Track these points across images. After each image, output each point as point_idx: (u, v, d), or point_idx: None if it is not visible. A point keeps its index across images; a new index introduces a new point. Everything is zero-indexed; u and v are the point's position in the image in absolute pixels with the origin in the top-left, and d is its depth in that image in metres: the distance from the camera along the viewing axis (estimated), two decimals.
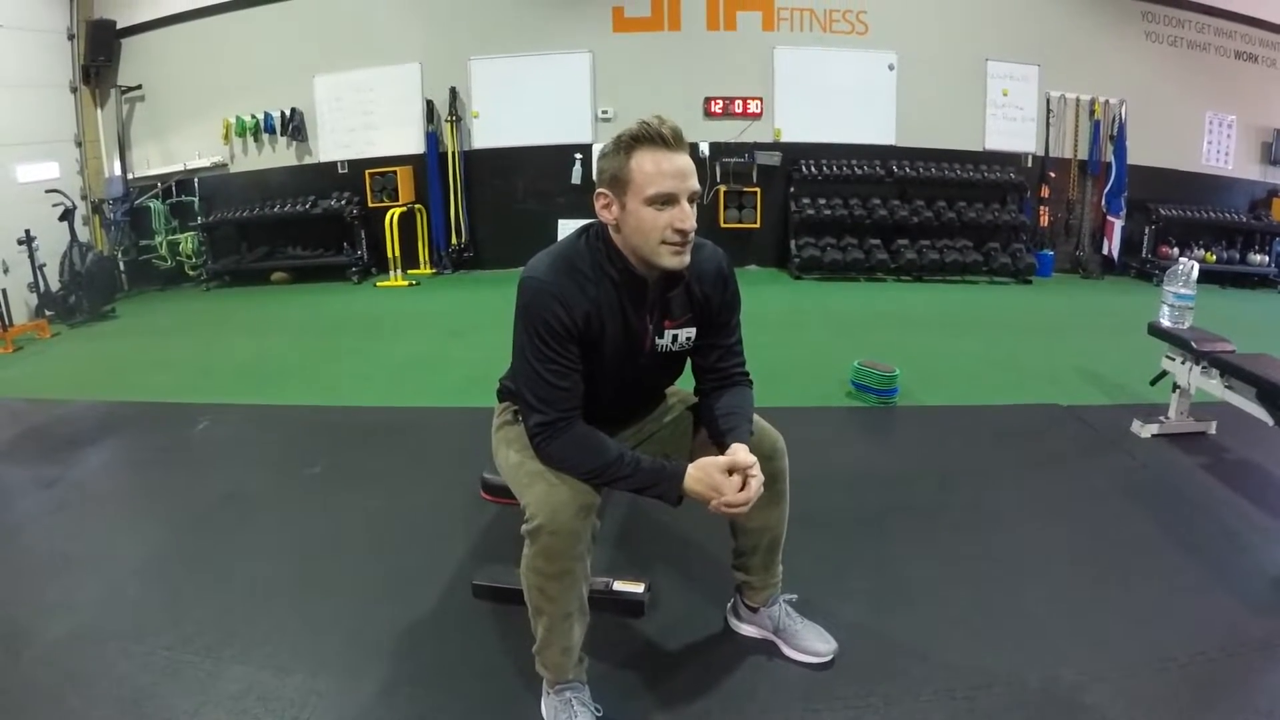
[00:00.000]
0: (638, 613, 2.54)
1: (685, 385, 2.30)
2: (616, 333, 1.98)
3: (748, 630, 2.43)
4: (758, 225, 8.66)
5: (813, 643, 2.33)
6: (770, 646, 2.38)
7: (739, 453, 1.93)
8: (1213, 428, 3.93)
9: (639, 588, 2.59)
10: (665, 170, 1.86)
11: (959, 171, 8.58)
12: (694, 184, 1.90)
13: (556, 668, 2.01)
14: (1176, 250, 8.51)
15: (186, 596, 2.76)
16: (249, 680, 2.31)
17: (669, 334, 2.07)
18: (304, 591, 2.79)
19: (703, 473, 1.90)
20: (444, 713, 2.19)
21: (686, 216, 1.88)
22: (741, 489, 1.89)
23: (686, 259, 1.93)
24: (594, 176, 1.97)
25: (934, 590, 2.70)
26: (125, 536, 3.28)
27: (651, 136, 1.87)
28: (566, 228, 7.07)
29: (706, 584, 2.69)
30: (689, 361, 2.20)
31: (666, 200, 1.86)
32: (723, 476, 1.89)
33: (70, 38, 8.64)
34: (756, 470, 1.91)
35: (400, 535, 3.17)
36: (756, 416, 2.13)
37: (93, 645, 2.49)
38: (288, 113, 8.82)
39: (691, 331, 2.10)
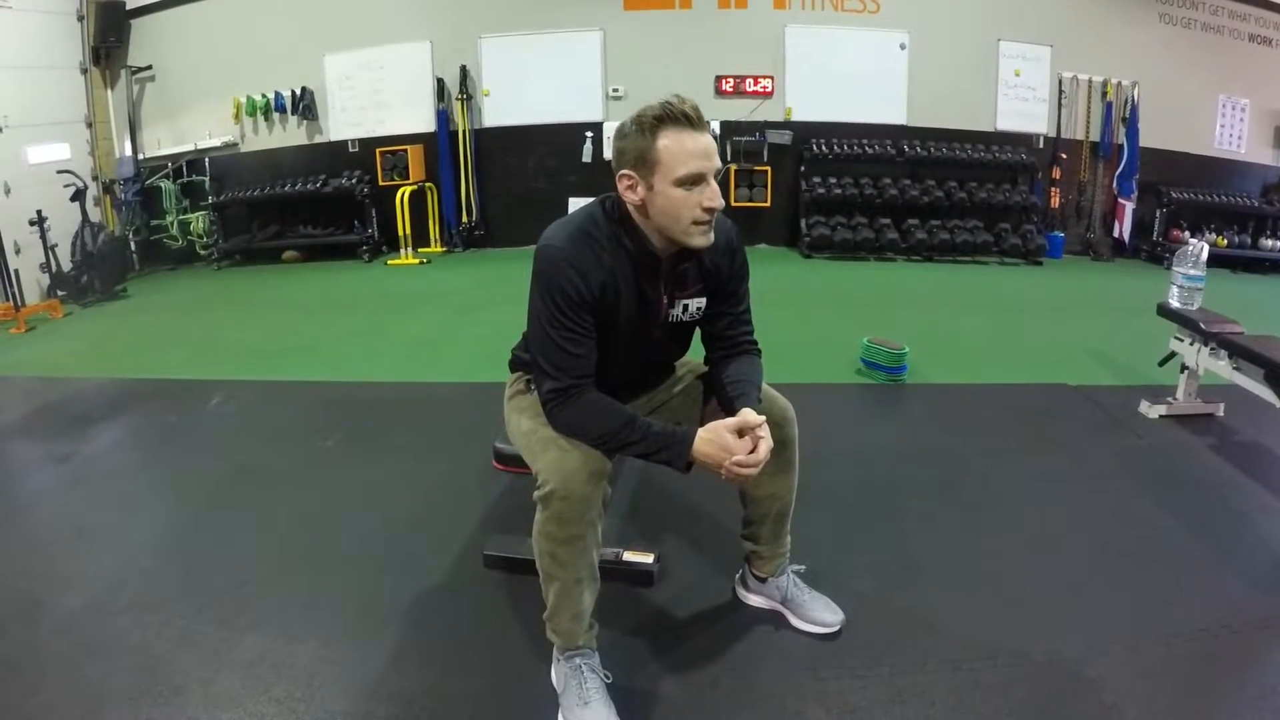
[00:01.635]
0: (647, 582, 2.57)
1: (695, 355, 2.33)
2: (631, 303, 2.00)
3: (756, 600, 2.46)
4: (768, 204, 8.65)
5: (820, 613, 2.35)
6: (778, 617, 2.41)
7: (748, 414, 1.95)
8: (1220, 409, 3.93)
9: (649, 558, 2.62)
10: (692, 150, 1.87)
11: (970, 152, 8.54)
12: (718, 162, 1.92)
13: (567, 634, 2.04)
14: (1188, 233, 8.47)
15: (200, 567, 2.80)
16: (262, 649, 2.35)
17: (680, 304, 2.09)
18: (317, 562, 2.83)
19: (713, 434, 1.91)
20: (455, 680, 2.22)
21: (716, 195, 1.90)
22: (751, 451, 1.91)
23: (712, 236, 1.95)
24: (612, 157, 1.98)
25: (940, 565, 2.72)
26: (139, 510, 3.32)
27: (675, 116, 1.87)
28: (577, 206, 7.07)
29: (715, 554, 2.73)
30: (698, 331, 2.23)
31: (696, 180, 1.88)
32: (733, 438, 1.90)
33: (80, 19, 8.63)
34: (765, 431, 1.93)
35: (412, 506, 3.19)
36: (766, 385, 2.15)
37: (108, 616, 2.53)
38: (298, 91, 8.82)
39: (702, 301, 2.12)
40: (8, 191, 7.54)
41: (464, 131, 8.73)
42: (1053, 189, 8.85)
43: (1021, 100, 8.72)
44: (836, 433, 3.72)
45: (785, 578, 2.40)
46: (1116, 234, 8.86)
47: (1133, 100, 8.59)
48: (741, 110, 8.62)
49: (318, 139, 9.03)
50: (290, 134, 9.04)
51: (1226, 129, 8.96)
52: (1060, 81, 8.70)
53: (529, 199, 8.82)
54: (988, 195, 8.46)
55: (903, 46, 8.53)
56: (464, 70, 8.63)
